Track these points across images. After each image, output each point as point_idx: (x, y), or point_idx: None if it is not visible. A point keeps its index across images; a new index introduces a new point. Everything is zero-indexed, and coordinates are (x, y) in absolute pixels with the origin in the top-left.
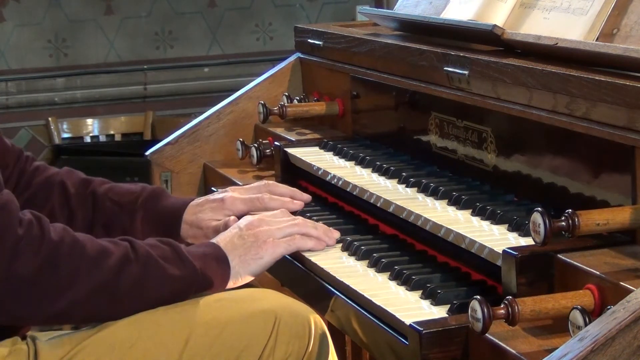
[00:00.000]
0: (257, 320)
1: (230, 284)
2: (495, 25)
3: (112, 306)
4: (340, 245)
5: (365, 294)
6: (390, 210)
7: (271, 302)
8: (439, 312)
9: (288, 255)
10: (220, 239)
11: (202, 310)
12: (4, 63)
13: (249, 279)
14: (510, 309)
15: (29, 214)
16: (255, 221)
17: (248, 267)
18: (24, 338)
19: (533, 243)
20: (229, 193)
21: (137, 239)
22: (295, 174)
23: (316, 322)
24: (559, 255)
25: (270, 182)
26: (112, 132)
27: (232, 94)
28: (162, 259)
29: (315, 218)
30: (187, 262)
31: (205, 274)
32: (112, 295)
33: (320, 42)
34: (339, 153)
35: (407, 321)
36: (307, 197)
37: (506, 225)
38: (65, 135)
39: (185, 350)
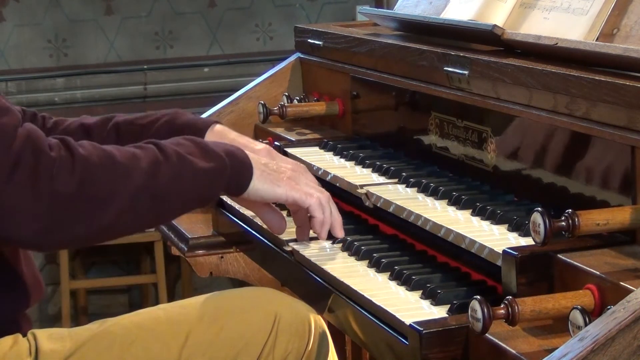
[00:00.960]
0: (257, 319)
1: (244, 195)
2: (495, 25)
3: (158, 206)
4: (340, 245)
5: (365, 294)
6: (390, 210)
7: (271, 301)
8: (439, 312)
9: (289, 255)
10: (251, 154)
11: (202, 308)
12: (4, 63)
13: (258, 197)
14: (510, 309)
15: (53, 139)
16: (293, 166)
17: (263, 185)
18: (24, 336)
19: (533, 243)
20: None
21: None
22: None
23: (316, 321)
24: (559, 255)
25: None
26: None
27: (232, 94)
28: (189, 154)
29: None
30: (215, 155)
31: (232, 170)
32: (153, 196)
33: (320, 42)
34: (339, 153)
35: (407, 321)
36: None
37: (506, 225)
38: None
39: (185, 346)
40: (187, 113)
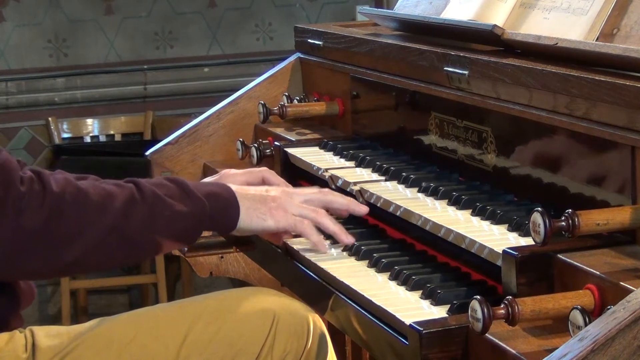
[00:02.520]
0: (255, 319)
1: (233, 232)
2: (495, 25)
3: (125, 248)
4: (340, 245)
5: (365, 294)
6: (390, 210)
7: (270, 301)
8: (439, 312)
9: (288, 255)
10: (238, 188)
11: (201, 307)
12: (4, 63)
13: (246, 233)
14: (510, 309)
15: (28, 171)
16: (282, 189)
17: (250, 222)
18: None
19: (533, 243)
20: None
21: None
22: (295, 174)
23: (315, 321)
24: (559, 255)
25: (264, 168)
26: (112, 132)
27: (232, 94)
28: (168, 197)
29: None
30: (196, 199)
31: (212, 215)
32: (122, 237)
33: (320, 42)
34: (339, 153)
35: (407, 321)
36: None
37: (506, 225)
38: (65, 135)
39: (183, 346)
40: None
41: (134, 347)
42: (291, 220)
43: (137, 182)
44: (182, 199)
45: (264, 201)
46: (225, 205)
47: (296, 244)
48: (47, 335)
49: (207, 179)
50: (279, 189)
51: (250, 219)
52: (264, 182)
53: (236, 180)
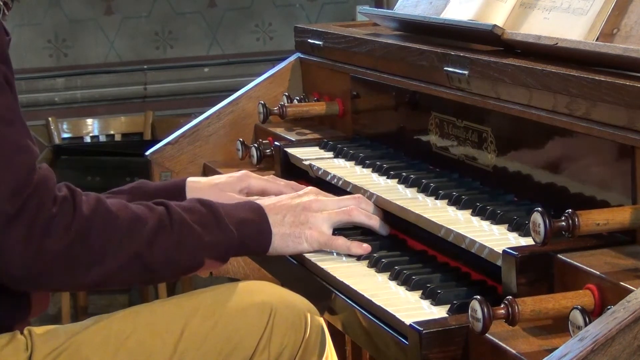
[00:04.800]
0: (252, 312)
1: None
2: (495, 25)
3: (145, 276)
4: None
5: (365, 294)
6: (390, 210)
7: (267, 294)
8: (439, 312)
9: (289, 255)
10: (270, 207)
11: (197, 302)
12: None
13: (278, 254)
14: (510, 309)
15: (65, 189)
16: (314, 202)
17: (286, 247)
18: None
19: (533, 243)
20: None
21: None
22: (295, 174)
23: (312, 314)
24: (559, 255)
25: (245, 171)
26: (112, 132)
27: (232, 94)
28: (198, 224)
29: None
30: (225, 228)
31: (242, 242)
32: (144, 265)
33: (320, 42)
34: (339, 153)
35: (407, 321)
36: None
37: (506, 225)
38: (65, 135)
39: (180, 341)
40: (148, 182)
41: (131, 342)
42: (325, 239)
43: (168, 206)
44: (211, 228)
45: (298, 224)
46: (257, 232)
47: None
48: (44, 333)
49: (225, 177)
50: (311, 196)
51: (285, 244)
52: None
53: (254, 183)
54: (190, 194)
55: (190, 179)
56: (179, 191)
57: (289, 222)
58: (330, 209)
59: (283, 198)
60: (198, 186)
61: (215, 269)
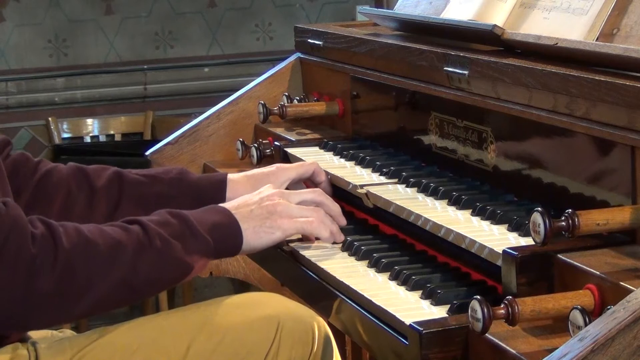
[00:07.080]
0: (260, 326)
1: (239, 254)
2: (495, 25)
3: (132, 296)
4: (340, 245)
5: (365, 294)
6: (391, 210)
7: (274, 308)
8: (439, 312)
9: (289, 255)
10: (235, 206)
11: (204, 316)
12: (4, 63)
13: (257, 250)
14: (510, 309)
15: (40, 225)
16: (277, 193)
17: (259, 240)
18: (23, 341)
19: (533, 243)
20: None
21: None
22: None
23: (320, 326)
24: (559, 255)
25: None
26: (112, 132)
27: (232, 94)
28: (174, 237)
29: None
30: (200, 238)
31: (218, 248)
32: (130, 288)
33: (320, 42)
34: (339, 153)
35: (407, 321)
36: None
37: (506, 225)
38: (65, 135)
39: (187, 356)
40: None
41: (137, 357)
42: (299, 225)
43: (142, 224)
44: (187, 238)
45: (268, 214)
46: (228, 234)
47: (296, 244)
48: (49, 348)
49: (259, 170)
50: (273, 191)
51: (258, 236)
52: (314, 174)
53: (290, 174)
54: (229, 189)
55: (230, 176)
56: (220, 187)
57: (259, 215)
58: (296, 202)
59: (245, 197)
60: (236, 179)
61: (197, 274)
